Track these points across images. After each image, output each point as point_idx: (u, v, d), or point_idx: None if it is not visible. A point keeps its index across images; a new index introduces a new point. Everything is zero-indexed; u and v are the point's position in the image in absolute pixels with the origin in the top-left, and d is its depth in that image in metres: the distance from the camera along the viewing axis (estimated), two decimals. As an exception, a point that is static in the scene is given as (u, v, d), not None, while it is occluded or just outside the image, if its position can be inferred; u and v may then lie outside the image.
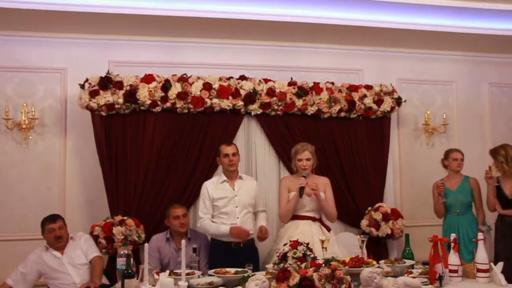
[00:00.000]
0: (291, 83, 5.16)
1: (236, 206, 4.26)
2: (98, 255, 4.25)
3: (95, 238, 4.48)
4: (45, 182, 5.00)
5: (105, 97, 4.68)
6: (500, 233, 4.71)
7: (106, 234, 4.48)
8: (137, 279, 3.04)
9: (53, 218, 4.20)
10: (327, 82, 5.33)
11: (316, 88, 5.18)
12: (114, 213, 4.68)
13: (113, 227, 4.50)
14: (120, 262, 3.37)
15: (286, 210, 4.36)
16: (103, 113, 4.73)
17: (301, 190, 4.25)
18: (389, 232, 5.09)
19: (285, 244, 3.45)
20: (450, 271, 3.35)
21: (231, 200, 4.27)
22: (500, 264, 3.38)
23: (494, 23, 5.49)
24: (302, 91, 5.11)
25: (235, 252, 4.15)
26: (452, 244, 3.45)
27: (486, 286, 3.30)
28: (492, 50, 6.08)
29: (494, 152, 4.84)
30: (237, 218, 4.24)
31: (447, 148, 5.30)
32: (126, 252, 3.31)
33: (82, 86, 4.74)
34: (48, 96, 5.08)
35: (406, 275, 3.34)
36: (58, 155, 5.04)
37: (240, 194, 4.31)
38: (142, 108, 4.81)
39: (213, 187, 4.32)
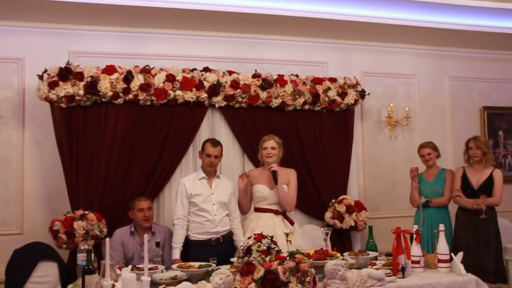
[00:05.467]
0: (255, 75, 5.13)
1: (214, 204, 4.23)
2: None
3: (55, 233, 4.37)
4: (2, 177, 4.82)
5: (65, 89, 4.54)
6: (461, 223, 4.80)
7: (66, 229, 4.36)
8: (99, 274, 2.97)
9: None
10: (291, 74, 5.32)
11: (281, 80, 5.16)
12: (75, 208, 4.56)
13: (74, 222, 4.38)
14: (81, 258, 3.29)
15: (237, 202, 4.45)
16: (63, 105, 4.59)
17: (274, 174, 4.27)
18: (353, 224, 5.13)
19: (249, 238, 3.44)
20: (413, 262, 3.42)
21: (208, 198, 4.23)
22: (460, 254, 3.47)
23: (455, 18, 5.59)
24: (266, 84, 5.09)
25: (215, 246, 4.13)
26: (414, 236, 3.51)
27: (446, 276, 3.38)
28: (452, 45, 6.20)
29: (477, 141, 4.80)
30: (215, 215, 4.20)
31: (409, 141, 5.31)
32: (87, 247, 3.23)
33: (41, 77, 4.59)
34: (4, 87, 4.89)
35: (370, 266, 3.39)
36: (15, 148, 4.87)
37: (217, 192, 4.27)
38: (103, 100, 4.69)
39: (191, 183, 4.26)
